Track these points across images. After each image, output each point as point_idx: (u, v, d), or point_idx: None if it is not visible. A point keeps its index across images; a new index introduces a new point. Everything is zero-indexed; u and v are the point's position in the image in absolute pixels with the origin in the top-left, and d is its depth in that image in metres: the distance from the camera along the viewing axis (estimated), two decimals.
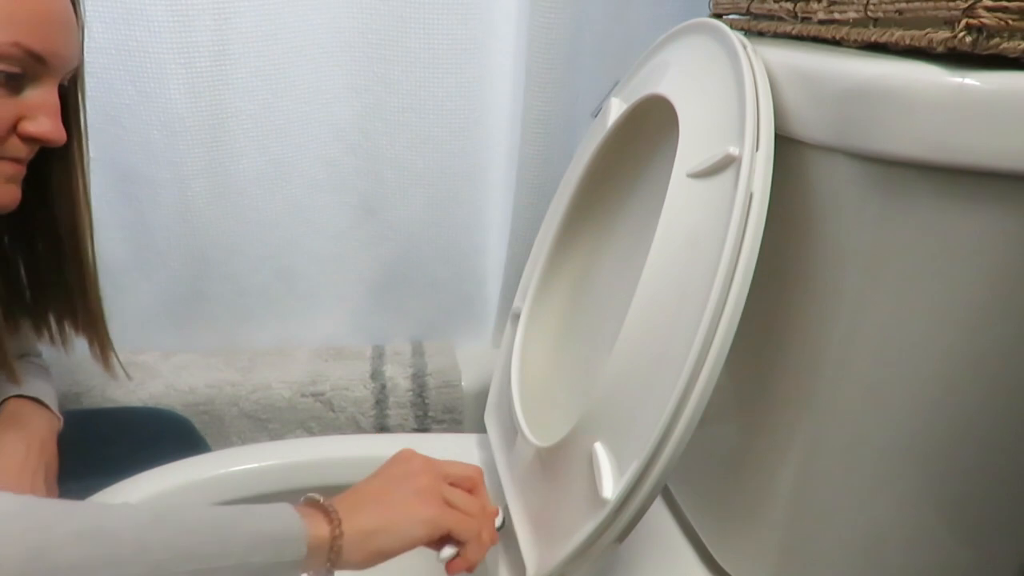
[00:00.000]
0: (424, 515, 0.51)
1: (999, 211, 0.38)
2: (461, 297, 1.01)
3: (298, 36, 0.84)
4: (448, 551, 0.53)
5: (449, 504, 0.53)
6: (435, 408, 0.94)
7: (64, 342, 0.66)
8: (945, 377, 0.43)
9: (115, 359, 0.68)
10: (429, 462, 0.55)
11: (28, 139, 0.51)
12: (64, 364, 0.85)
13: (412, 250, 0.96)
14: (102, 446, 0.75)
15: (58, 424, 0.66)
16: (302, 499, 0.51)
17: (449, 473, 0.56)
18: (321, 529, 0.48)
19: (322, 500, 0.50)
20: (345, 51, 0.85)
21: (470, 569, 0.54)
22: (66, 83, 0.55)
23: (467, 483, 0.56)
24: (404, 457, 0.55)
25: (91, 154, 0.84)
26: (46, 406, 0.66)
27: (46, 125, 0.51)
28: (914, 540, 0.48)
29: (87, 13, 0.77)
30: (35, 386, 0.67)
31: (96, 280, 0.64)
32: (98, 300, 0.65)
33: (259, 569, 0.45)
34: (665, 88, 0.53)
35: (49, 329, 0.65)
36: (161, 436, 0.79)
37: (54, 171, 0.59)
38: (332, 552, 0.48)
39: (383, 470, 0.55)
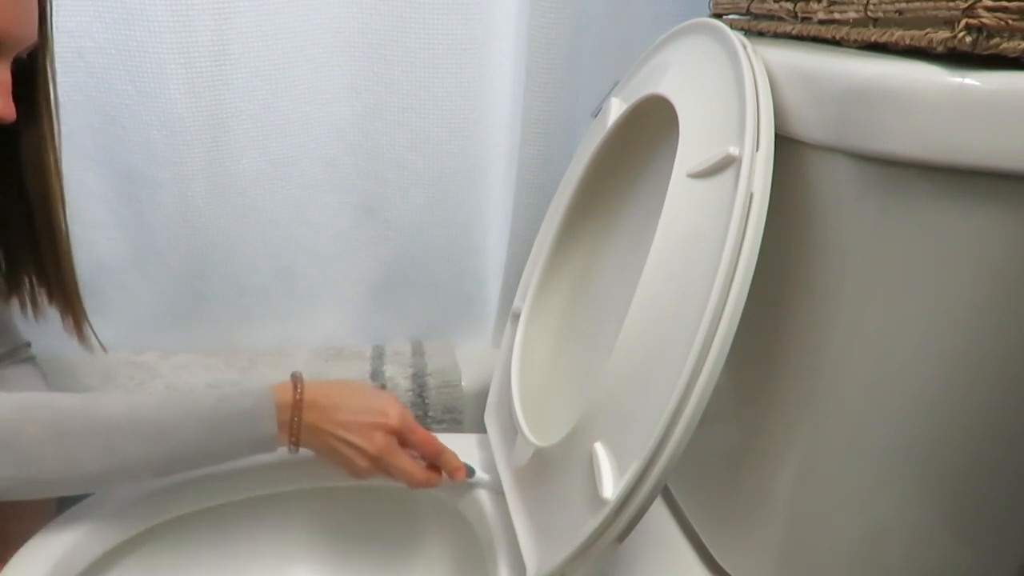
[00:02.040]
0: (352, 465, 0.63)
1: (999, 211, 0.38)
2: (461, 297, 1.01)
3: (298, 36, 0.84)
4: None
5: (383, 467, 0.64)
6: (435, 408, 0.94)
7: (36, 312, 0.67)
8: (945, 377, 0.43)
9: (90, 331, 0.69)
10: (395, 433, 0.64)
11: None
12: (64, 363, 0.85)
13: (412, 250, 0.96)
14: None
15: None
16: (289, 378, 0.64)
17: (408, 440, 0.65)
18: (283, 441, 0.62)
19: (295, 396, 0.62)
20: (345, 51, 0.85)
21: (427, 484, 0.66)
22: (24, 58, 0.55)
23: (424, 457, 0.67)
24: (384, 411, 0.64)
25: (92, 154, 0.85)
26: None
27: None
28: (914, 540, 0.48)
29: (89, 13, 0.78)
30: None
31: (69, 251, 0.66)
32: (72, 271, 0.66)
33: (239, 455, 0.62)
34: (665, 88, 0.53)
35: (22, 298, 0.66)
36: None
37: (25, 146, 0.59)
38: (292, 444, 0.62)
39: (364, 400, 0.65)
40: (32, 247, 0.64)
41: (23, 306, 0.67)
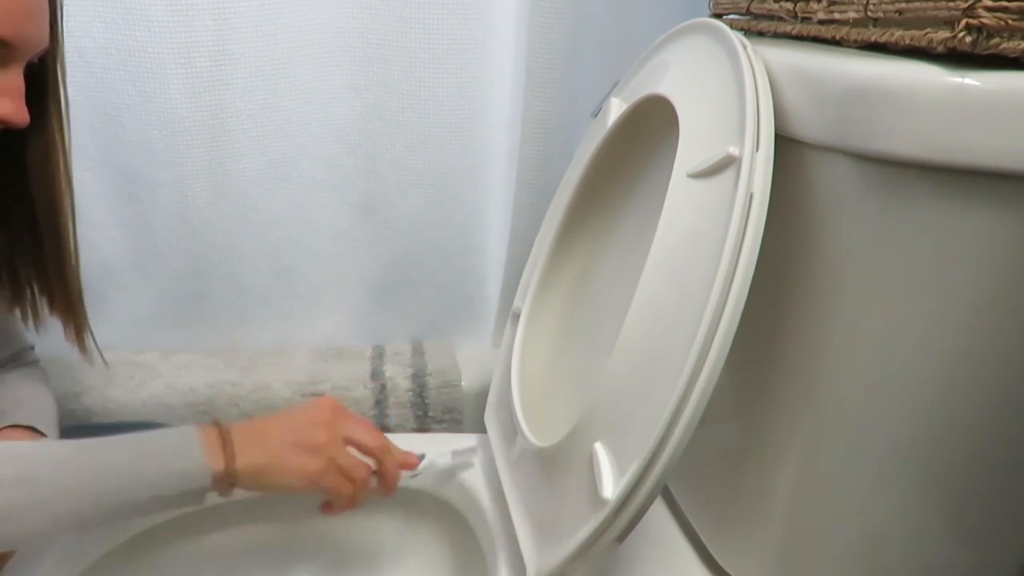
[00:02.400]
0: (305, 470, 0.57)
1: (999, 211, 0.38)
2: (461, 297, 1.01)
3: (298, 36, 0.84)
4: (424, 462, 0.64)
5: (337, 466, 0.58)
6: (435, 408, 0.94)
7: (36, 322, 0.66)
8: (945, 377, 0.43)
9: (91, 342, 0.68)
10: (334, 423, 0.60)
11: None
12: (64, 362, 0.85)
13: (412, 250, 0.96)
14: None
15: None
16: (207, 420, 0.57)
17: (353, 438, 0.60)
18: (218, 464, 0.54)
19: (222, 428, 0.56)
20: (345, 51, 0.85)
21: (333, 514, 0.62)
22: (35, 62, 0.54)
23: (368, 452, 0.61)
24: (315, 407, 0.60)
25: (92, 154, 0.85)
26: (42, 434, 0.65)
27: (8, 107, 0.51)
28: (914, 540, 0.48)
29: (89, 13, 0.78)
30: (32, 408, 0.67)
31: (75, 261, 0.64)
32: (77, 281, 0.65)
33: (169, 499, 0.52)
34: (665, 88, 0.53)
35: (24, 308, 0.65)
36: None
37: (32, 149, 0.59)
38: (228, 477, 0.55)
39: (289, 413, 0.60)
40: (37, 255, 0.63)
41: (24, 316, 0.66)
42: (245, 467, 0.55)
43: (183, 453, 0.53)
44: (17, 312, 0.66)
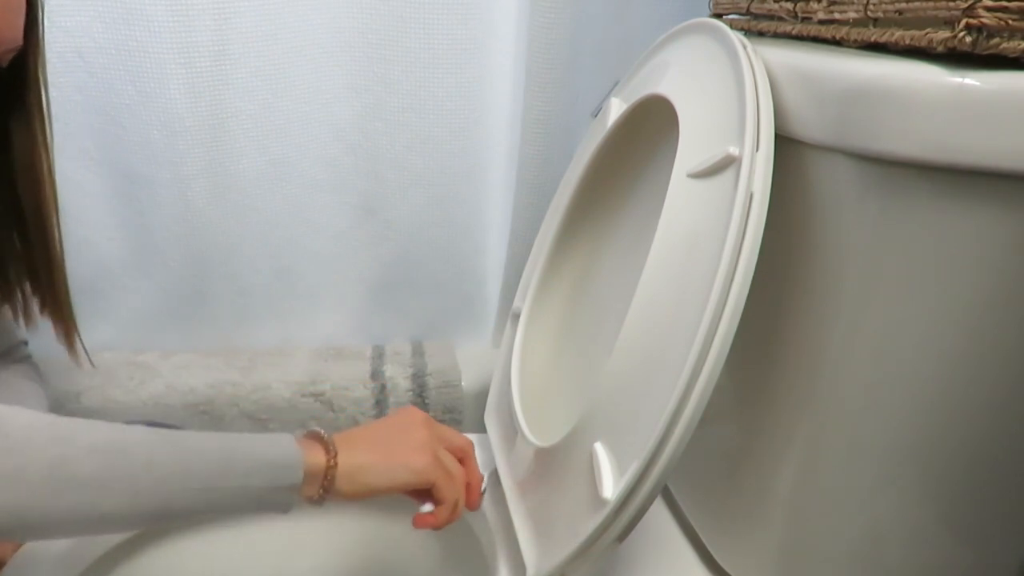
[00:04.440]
0: (415, 464, 0.55)
1: (999, 211, 0.38)
2: (461, 297, 1.01)
3: (298, 36, 0.84)
4: (427, 507, 0.58)
5: (440, 463, 0.57)
6: (435, 408, 0.94)
7: (27, 321, 0.66)
8: (945, 377, 0.43)
9: (80, 344, 0.68)
10: (429, 421, 0.59)
11: None
12: (63, 362, 0.85)
13: (412, 250, 0.96)
14: None
15: None
16: (303, 431, 0.55)
17: (445, 437, 0.60)
18: (318, 458, 0.52)
19: (323, 433, 0.54)
20: (345, 51, 0.85)
21: (436, 527, 0.58)
22: (4, 64, 0.54)
23: (459, 452, 0.60)
24: (407, 411, 0.60)
25: (92, 154, 0.85)
26: None
27: None
28: (914, 540, 0.48)
29: (89, 13, 0.78)
30: None
31: (61, 260, 0.64)
32: (63, 280, 0.65)
33: (258, 492, 0.49)
34: (665, 88, 0.53)
35: (14, 308, 0.65)
36: None
37: (17, 150, 0.59)
38: (325, 480, 0.52)
39: (385, 418, 0.59)
40: (26, 256, 0.63)
41: (16, 316, 0.66)
42: (347, 464, 0.52)
43: (276, 444, 0.51)
44: (8, 311, 0.66)
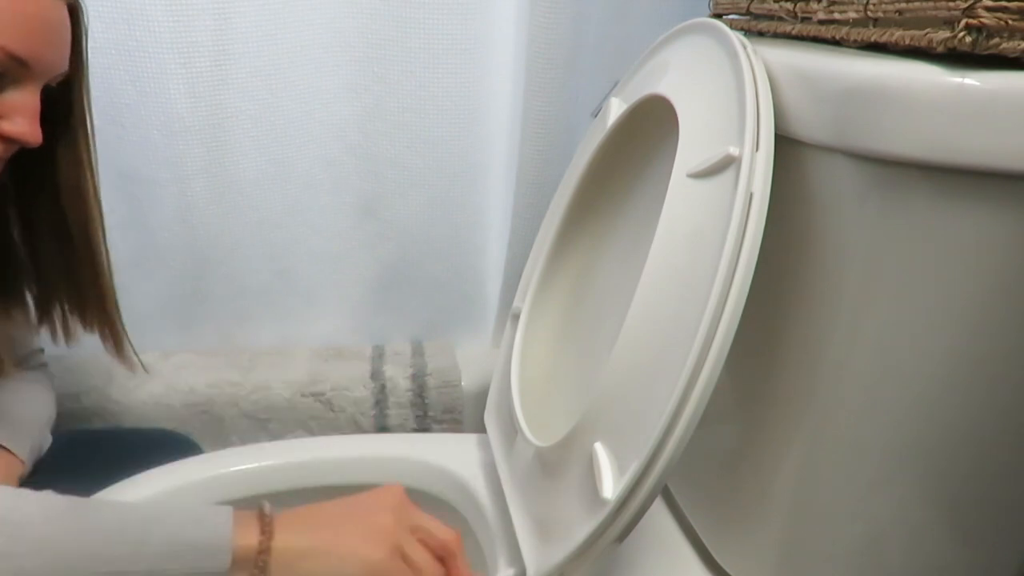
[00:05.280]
0: (366, 556, 0.47)
1: (998, 211, 0.38)
2: (461, 297, 1.01)
3: (298, 36, 0.84)
4: None
5: (403, 556, 0.49)
6: (435, 408, 0.94)
7: (68, 338, 0.66)
8: (945, 377, 0.43)
9: (131, 352, 0.69)
10: (403, 507, 0.51)
11: (4, 139, 0.52)
12: (64, 363, 0.85)
13: (412, 250, 0.96)
14: (99, 470, 0.70)
15: (20, 468, 0.66)
16: (248, 509, 0.48)
17: (421, 527, 0.51)
18: (249, 539, 0.45)
19: (267, 510, 0.47)
20: (345, 51, 0.85)
21: None
22: (53, 85, 0.55)
23: (439, 549, 0.51)
24: (382, 491, 0.52)
25: None
26: (8, 450, 0.65)
27: (22, 126, 0.52)
28: (914, 540, 0.48)
29: (89, 13, 0.77)
30: (16, 419, 0.67)
31: (111, 276, 0.66)
32: (113, 295, 0.66)
33: None
34: (665, 88, 0.53)
35: (53, 325, 0.66)
36: (161, 458, 0.78)
37: (63, 170, 0.60)
38: (256, 567, 0.45)
39: (351, 497, 0.51)
40: (68, 273, 0.64)
41: (54, 334, 0.66)
42: (284, 548, 0.45)
43: (203, 522, 0.45)
44: (32, 317, 0.66)
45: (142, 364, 0.70)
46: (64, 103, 0.58)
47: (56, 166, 0.60)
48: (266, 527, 0.46)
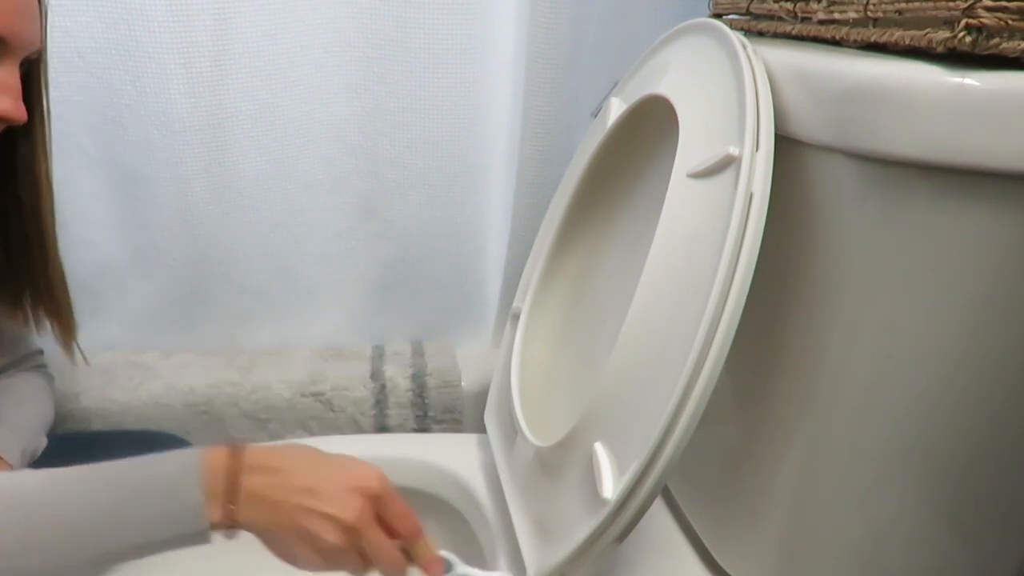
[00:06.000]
0: (319, 542, 0.47)
1: (998, 211, 0.38)
2: (461, 297, 1.01)
3: (298, 36, 0.84)
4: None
5: (360, 545, 0.48)
6: (435, 408, 0.94)
7: (38, 326, 0.66)
8: (945, 377, 0.43)
9: (75, 345, 0.68)
10: (373, 492, 0.49)
11: None
12: (64, 363, 0.85)
13: (412, 250, 0.96)
14: None
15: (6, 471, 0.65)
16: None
17: (385, 513, 0.50)
18: (215, 513, 0.46)
19: (233, 457, 0.47)
20: (345, 51, 0.85)
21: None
22: (26, 66, 0.55)
23: (397, 534, 0.50)
24: (361, 469, 0.50)
25: (92, 154, 0.85)
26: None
27: (6, 103, 0.52)
28: (914, 540, 0.48)
29: (89, 13, 0.78)
30: (9, 422, 0.66)
31: (58, 260, 0.65)
32: (62, 281, 0.65)
33: (165, 543, 0.46)
34: (665, 88, 0.53)
35: (24, 312, 0.66)
36: None
37: (19, 152, 0.60)
38: (228, 525, 0.47)
39: (330, 462, 0.50)
40: (25, 257, 0.63)
41: (26, 320, 0.66)
42: (248, 524, 0.47)
43: (176, 491, 0.46)
44: (21, 317, 0.66)
45: (84, 359, 0.69)
46: (26, 85, 0.57)
47: (15, 149, 0.59)
48: (232, 495, 0.46)
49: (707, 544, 0.59)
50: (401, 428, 0.94)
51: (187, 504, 0.46)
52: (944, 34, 0.37)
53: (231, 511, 0.46)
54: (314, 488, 0.48)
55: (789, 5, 0.52)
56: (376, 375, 0.94)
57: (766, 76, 0.46)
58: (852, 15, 0.45)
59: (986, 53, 0.36)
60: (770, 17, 0.56)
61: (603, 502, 0.44)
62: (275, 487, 0.47)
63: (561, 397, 0.65)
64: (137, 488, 0.46)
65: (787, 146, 0.45)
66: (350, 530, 0.47)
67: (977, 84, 0.36)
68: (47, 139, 0.61)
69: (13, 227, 0.62)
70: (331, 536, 0.47)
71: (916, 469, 0.46)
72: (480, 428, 0.75)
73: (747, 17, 0.61)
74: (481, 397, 0.84)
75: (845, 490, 0.48)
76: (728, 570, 0.57)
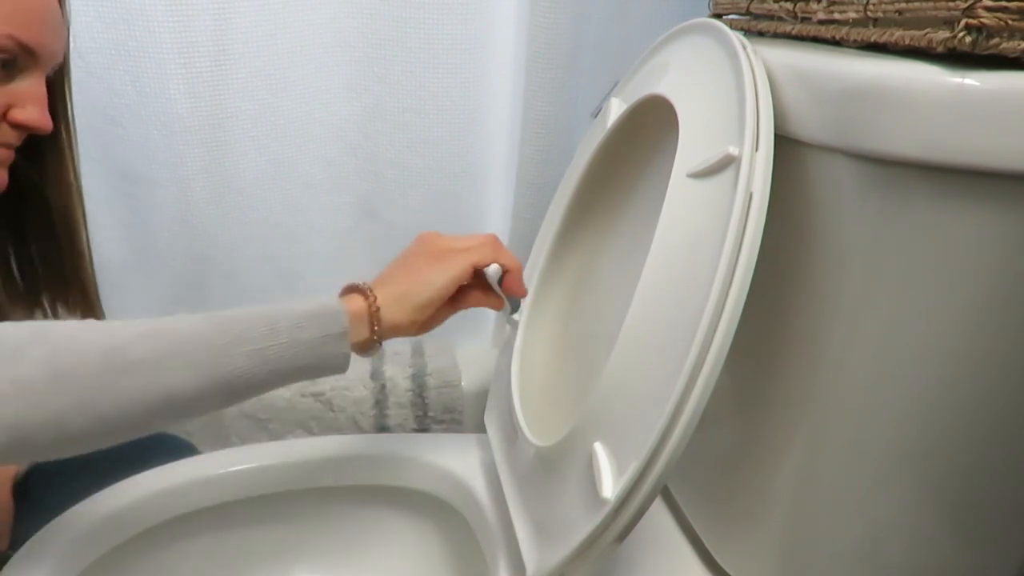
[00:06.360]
0: (443, 265, 0.58)
1: (998, 211, 0.38)
2: None
3: (298, 36, 0.84)
4: (493, 268, 0.62)
5: (460, 250, 0.59)
6: (435, 408, 0.94)
7: None
8: (945, 377, 0.43)
9: None
10: (441, 236, 0.61)
11: (17, 126, 0.54)
12: None
13: None
14: (95, 472, 0.70)
15: (12, 468, 0.66)
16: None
17: (460, 240, 0.61)
18: (357, 303, 0.55)
19: (360, 283, 0.57)
20: (345, 51, 0.85)
21: (516, 271, 0.62)
22: (51, 75, 0.57)
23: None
24: (421, 237, 0.61)
25: (92, 154, 0.85)
26: None
27: (34, 113, 0.54)
28: (914, 540, 0.48)
29: (89, 13, 0.78)
30: None
31: (91, 264, 0.66)
32: (94, 284, 0.67)
33: (310, 344, 0.51)
34: (665, 88, 0.53)
35: (44, 315, 0.66)
36: (158, 460, 0.78)
37: (47, 160, 0.61)
38: (372, 318, 0.55)
39: (404, 251, 0.61)
40: (54, 265, 0.65)
41: (44, 318, 0.66)
42: (387, 296, 0.56)
43: (315, 299, 0.54)
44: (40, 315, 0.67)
45: None
46: (52, 94, 0.58)
47: (41, 158, 0.60)
48: (367, 291, 0.56)
49: (707, 544, 0.59)
50: (401, 428, 0.94)
51: (327, 301, 0.54)
52: (944, 34, 0.37)
53: (369, 293, 0.56)
54: (408, 255, 0.60)
55: (789, 5, 0.52)
56: (376, 375, 0.94)
57: (766, 76, 0.46)
58: (852, 15, 0.45)
59: (986, 53, 0.36)
60: (770, 17, 0.56)
61: (603, 502, 0.44)
62: (386, 274, 0.59)
63: (561, 397, 0.65)
64: (278, 308, 0.52)
65: (787, 146, 0.45)
66: (449, 252, 0.59)
67: (977, 84, 0.36)
68: (75, 146, 0.63)
69: (40, 234, 0.63)
70: (450, 262, 0.58)
71: (916, 469, 0.46)
72: (480, 428, 0.75)
73: (747, 17, 0.61)
74: (481, 397, 0.84)
75: (845, 490, 0.48)
76: (728, 570, 0.57)
